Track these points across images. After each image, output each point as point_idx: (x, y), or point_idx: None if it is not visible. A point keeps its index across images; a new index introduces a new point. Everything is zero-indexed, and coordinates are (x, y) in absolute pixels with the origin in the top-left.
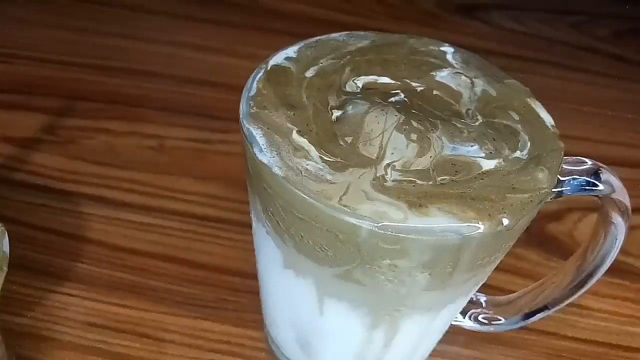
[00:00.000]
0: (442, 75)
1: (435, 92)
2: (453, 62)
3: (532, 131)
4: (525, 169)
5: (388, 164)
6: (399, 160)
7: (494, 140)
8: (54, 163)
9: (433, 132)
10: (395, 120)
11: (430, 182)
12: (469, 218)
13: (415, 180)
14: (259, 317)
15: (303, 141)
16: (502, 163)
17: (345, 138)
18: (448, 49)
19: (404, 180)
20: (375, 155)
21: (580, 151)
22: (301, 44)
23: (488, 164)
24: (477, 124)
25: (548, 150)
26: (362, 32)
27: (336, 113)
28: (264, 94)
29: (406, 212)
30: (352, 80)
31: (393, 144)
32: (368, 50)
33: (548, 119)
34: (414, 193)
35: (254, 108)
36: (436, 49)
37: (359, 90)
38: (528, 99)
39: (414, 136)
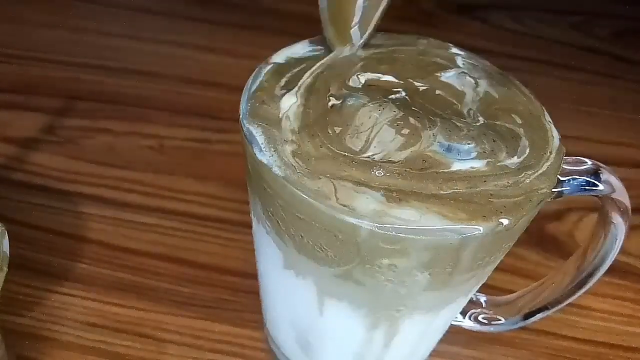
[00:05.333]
0: (447, 76)
1: (438, 91)
2: (460, 63)
3: (534, 136)
4: (524, 170)
5: (373, 158)
6: (381, 153)
7: (494, 141)
8: (54, 163)
9: (430, 130)
10: (391, 116)
11: (418, 180)
12: (461, 219)
13: (400, 176)
14: (259, 317)
15: (294, 125)
16: (501, 163)
17: (335, 128)
18: (457, 51)
19: (389, 175)
20: (360, 148)
21: (580, 151)
22: (306, 42)
23: (486, 164)
24: (477, 124)
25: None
26: None
27: (333, 101)
28: (265, 88)
29: (387, 206)
30: (356, 76)
31: (379, 139)
32: (376, 49)
33: (554, 133)
34: (396, 189)
35: (254, 104)
36: (445, 50)
37: (360, 86)
38: (532, 106)
39: (405, 131)
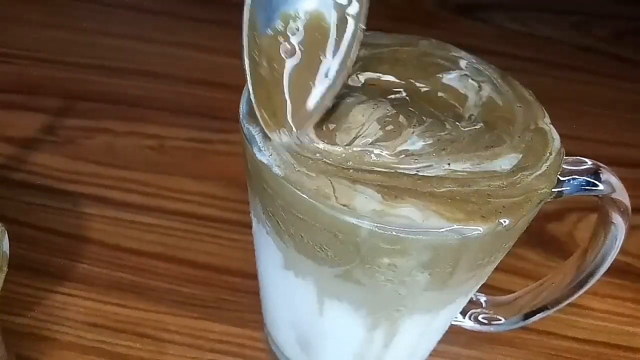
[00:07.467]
0: (449, 78)
1: (440, 93)
2: (463, 65)
3: (531, 139)
4: (519, 171)
5: (360, 153)
6: (362, 147)
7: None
8: (54, 163)
9: (413, 127)
10: (383, 114)
11: (410, 178)
12: (459, 219)
13: (394, 175)
14: (259, 317)
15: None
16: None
17: (329, 124)
18: (459, 52)
19: (383, 173)
20: (346, 143)
21: (580, 151)
22: None
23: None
24: (476, 127)
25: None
26: (370, 32)
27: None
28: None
29: (385, 205)
30: (356, 75)
31: (364, 134)
32: (376, 48)
33: (554, 134)
34: (390, 186)
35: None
36: (447, 51)
37: (360, 85)
38: (531, 108)
39: (389, 127)
